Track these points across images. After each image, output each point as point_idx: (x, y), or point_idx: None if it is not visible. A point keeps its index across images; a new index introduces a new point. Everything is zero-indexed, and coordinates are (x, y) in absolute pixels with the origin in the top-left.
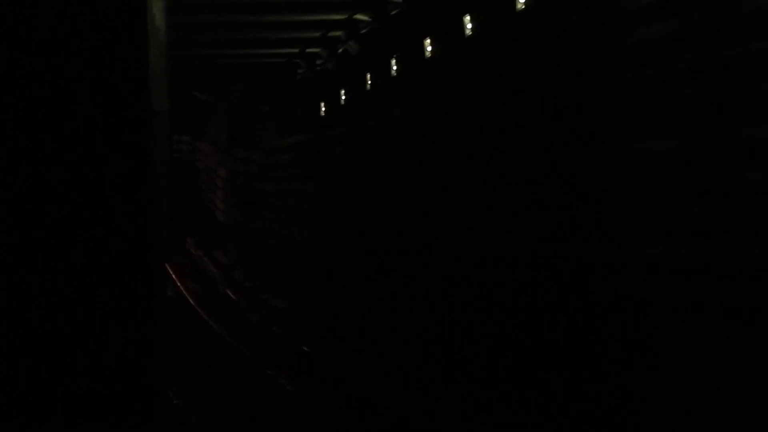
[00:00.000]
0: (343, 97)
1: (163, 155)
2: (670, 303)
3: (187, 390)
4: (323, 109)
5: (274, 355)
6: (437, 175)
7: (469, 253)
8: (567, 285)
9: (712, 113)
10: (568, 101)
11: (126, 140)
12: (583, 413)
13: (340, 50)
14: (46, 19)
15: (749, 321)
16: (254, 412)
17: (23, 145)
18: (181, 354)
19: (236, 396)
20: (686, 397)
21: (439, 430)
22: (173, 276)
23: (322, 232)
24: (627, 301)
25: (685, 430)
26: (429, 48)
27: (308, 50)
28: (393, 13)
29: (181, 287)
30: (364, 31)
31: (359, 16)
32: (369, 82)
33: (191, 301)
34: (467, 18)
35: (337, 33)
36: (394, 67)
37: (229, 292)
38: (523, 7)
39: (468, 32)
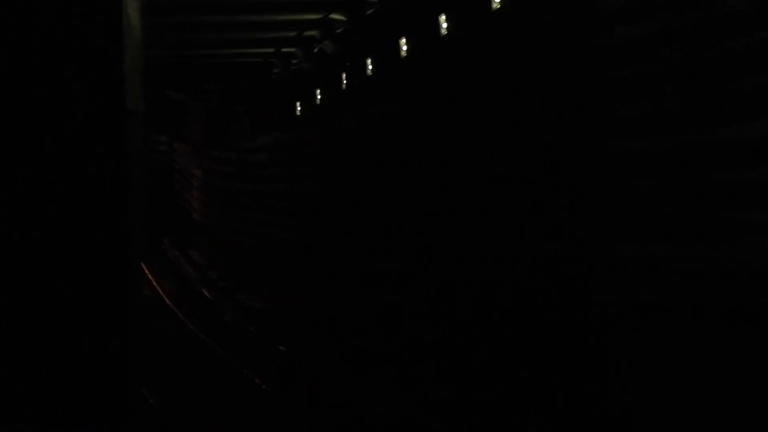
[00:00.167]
0: (319, 97)
1: (137, 154)
2: (643, 302)
3: (163, 389)
4: (299, 108)
5: (249, 355)
6: (412, 174)
7: (446, 252)
8: (543, 284)
9: (688, 114)
10: (544, 100)
11: (99, 138)
12: (559, 410)
13: (316, 50)
14: (19, 18)
15: (727, 319)
16: (230, 411)
17: None
18: (157, 353)
19: (212, 395)
20: (667, 395)
21: (415, 429)
22: (150, 276)
23: (297, 233)
24: (603, 300)
25: (669, 429)
26: (405, 47)
27: (284, 50)
28: (369, 12)
29: (157, 287)
30: (339, 30)
31: (335, 16)
32: (345, 81)
33: (167, 300)
34: (443, 17)
35: (313, 32)
36: (370, 67)
37: (205, 292)
38: (499, 6)
39: (443, 32)
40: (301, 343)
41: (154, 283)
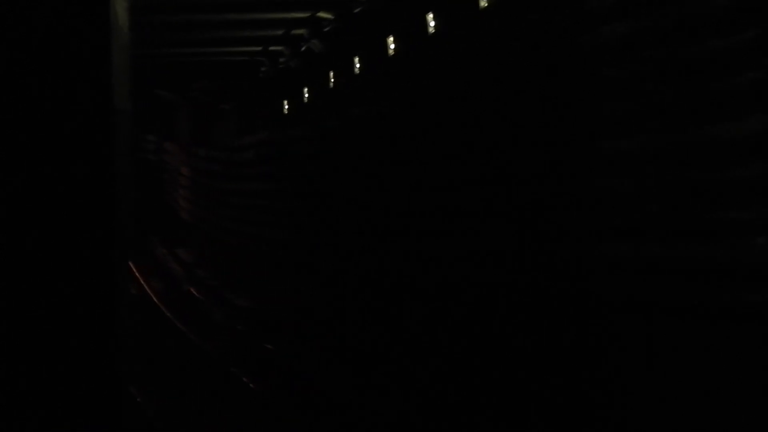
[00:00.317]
0: (307, 95)
1: (125, 153)
2: (628, 302)
3: (151, 388)
4: (286, 107)
5: (237, 354)
6: (399, 173)
7: (431, 251)
8: (531, 283)
9: (673, 113)
10: (531, 99)
11: (88, 138)
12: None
13: (304, 48)
14: (2, 17)
15: (711, 320)
16: (218, 410)
17: None
18: (145, 352)
19: (200, 394)
20: (649, 396)
21: (402, 428)
22: (137, 274)
23: (284, 231)
24: (586, 300)
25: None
26: (392, 46)
27: (271, 48)
28: (356, 11)
29: (144, 285)
30: (327, 29)
31: (322, 14)
32: (332, 80)
33: (155, 299)
34: (430, 16)
35: (300, 31)
36: (358, 65)
37: (192, 291)
38: (486, 5)
39: (431, 30)
40: (288, 341)
41: (142, 282)
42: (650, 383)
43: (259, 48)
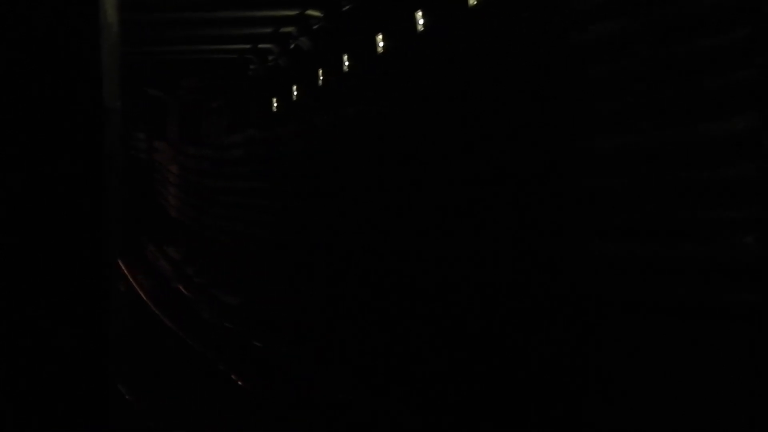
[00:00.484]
0: (296, 93)
1: (115, 152)
2: (620, 302)
3: (140, 386)
4: (275, 105)
5: (226, 351)
6: (389, 172)
7: (422, 251)
8: (514, 283)
9: (664, 111)
10: (521, 97)
11: (77, 137)
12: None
13: (292, 46)
14: None
15: (703, 320)
16: (206, 408)
17: None
18: (134, 350)
19: (188, 392)
20: (639, 396)
21: (402, 428)
22: (126, 272)
23: (273, 229)
24: (577, 300)
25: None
26: (381, 44)
27: (260, 46)
28: (345, 8)
29: (133, 283)
30: (316, 26)
31: (311, 12)
32: (321, 77)
33: (143, 296)
34: (419, 14)
35: (289, 29)
36: (347, 63)
37: (181, 288)
38: (475, 2)
39: (420, 28)
40: (276, 339)
41: (131, 279)
42: (649, 383)
43: (248, 46)
